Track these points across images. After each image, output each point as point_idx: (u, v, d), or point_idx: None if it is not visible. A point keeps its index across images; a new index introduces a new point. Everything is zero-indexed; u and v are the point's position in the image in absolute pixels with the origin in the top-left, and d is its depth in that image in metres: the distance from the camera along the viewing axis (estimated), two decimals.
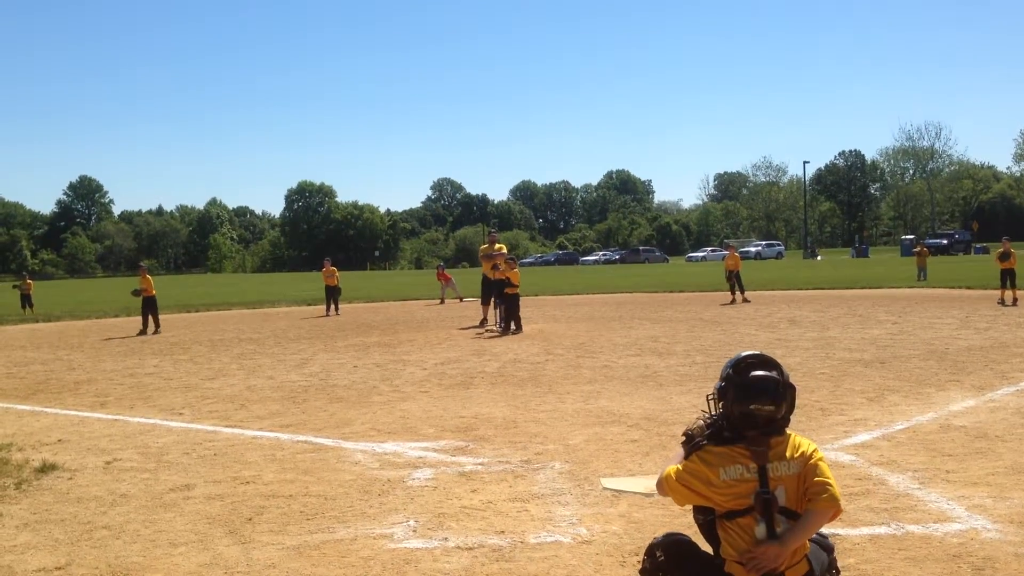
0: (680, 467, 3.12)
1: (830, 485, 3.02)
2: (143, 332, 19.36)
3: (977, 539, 4.49)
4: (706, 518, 3.17)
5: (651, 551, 3.21)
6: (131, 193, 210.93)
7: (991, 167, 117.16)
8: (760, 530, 3.00)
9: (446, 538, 4.74)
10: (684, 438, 3.30)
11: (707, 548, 3.20)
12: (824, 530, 3.23)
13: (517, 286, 17.00)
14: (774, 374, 3.04)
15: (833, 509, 3.03)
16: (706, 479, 3.03)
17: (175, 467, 6.60)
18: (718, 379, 3.13)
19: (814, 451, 3.10)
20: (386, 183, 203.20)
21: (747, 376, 3.03)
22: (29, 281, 30.16)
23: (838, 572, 3.35)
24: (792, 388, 3.07)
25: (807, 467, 3.05)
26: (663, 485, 3.18)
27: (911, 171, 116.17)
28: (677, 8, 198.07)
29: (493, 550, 4.54)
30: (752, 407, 3.00)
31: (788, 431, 3.11)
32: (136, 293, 20.39)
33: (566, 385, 10.00)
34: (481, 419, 8.11)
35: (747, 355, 3.11)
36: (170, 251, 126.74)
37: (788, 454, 3.05)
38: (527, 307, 20.74)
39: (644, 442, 6.94)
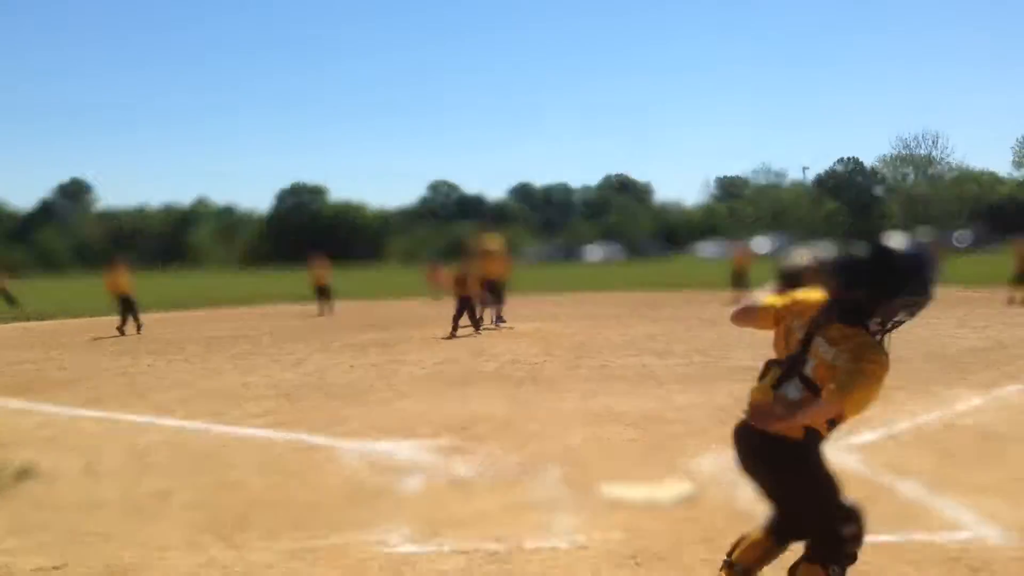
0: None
1: (845, 383, 2.97)
2: (138, 330, 19.12)
3: (978, 541, 4.42)
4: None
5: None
6: (122, 192, 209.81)
7: (992, 173, 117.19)
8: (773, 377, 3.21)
9: (442, 541, 4.66)
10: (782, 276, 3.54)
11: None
12: None
13: (469, 295, 16.98)
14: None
15: (835, 402, 2.99)
16: (791, 298, 3.32)
17: (167, 467, 6.50)
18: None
19: (864, 360, 3.00)
20: (382, 184, 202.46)
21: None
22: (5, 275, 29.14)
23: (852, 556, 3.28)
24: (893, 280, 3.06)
25: (844, 367, 3.01)
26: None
27: (912, 176, 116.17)
28: (675, 10, 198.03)
29: (490, 553, 4.46)
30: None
31: (863, 332, 3.07)
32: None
33: (565, 384, 9.90)
34: (478, 418, 8.01)
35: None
36: (151, 245, 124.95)
37: (839, 344, 3.05)
38: (526, 307, 20.68)
39: (643, 441, 6.87)
